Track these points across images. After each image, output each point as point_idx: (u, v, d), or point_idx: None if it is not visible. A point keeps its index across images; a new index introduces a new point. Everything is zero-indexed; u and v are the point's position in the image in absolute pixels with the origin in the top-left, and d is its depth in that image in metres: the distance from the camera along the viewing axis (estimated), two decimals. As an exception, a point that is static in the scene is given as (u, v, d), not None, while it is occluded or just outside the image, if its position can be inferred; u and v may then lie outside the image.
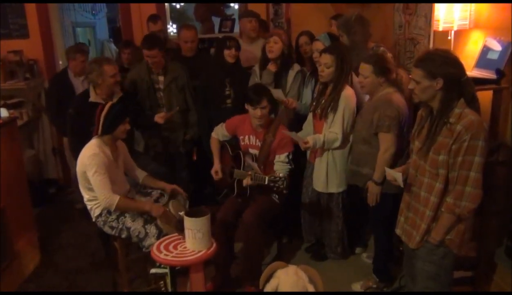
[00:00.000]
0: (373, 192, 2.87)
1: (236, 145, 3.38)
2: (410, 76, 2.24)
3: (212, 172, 3.28)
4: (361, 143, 2.95)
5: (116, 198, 2.78)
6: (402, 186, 2.36)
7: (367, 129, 2.86)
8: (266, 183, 2.87)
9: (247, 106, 3.14)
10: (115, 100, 3.35)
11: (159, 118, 3.60)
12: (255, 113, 3.10)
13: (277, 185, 2.84)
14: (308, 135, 3.18)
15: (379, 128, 2.77)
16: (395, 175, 2.36)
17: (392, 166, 2.68)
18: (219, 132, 3.38)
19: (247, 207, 3.12)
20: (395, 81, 2.86)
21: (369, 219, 3.15)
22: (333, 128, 3.10)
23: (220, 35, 4.79)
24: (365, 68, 2.83)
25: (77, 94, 3.54)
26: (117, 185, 2.88)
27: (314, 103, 3.26)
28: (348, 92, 3.09)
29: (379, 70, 2.79)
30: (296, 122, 3.50)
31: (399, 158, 2.80)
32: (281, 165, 3.15)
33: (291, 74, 3.57)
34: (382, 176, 2.79)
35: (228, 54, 3.63)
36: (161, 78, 3.77)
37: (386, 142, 2.77)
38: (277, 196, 3.16)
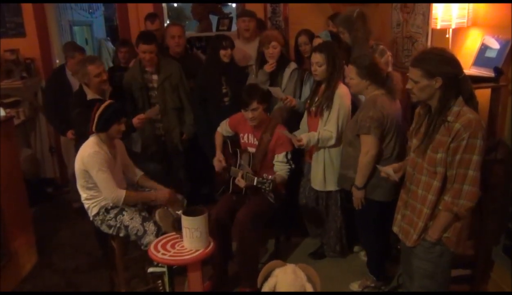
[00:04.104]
0: (356, 196, 2.87)
1: (236, 142, 3.38)
2: (407, 75, 2.23)
3: (215, 161, 3.29)
4: (347, 146, 2.95)
5: (123, 193, 2.80)
6: (397, 180, 2.37)
7: (351, 131, 2.86)
8: (255, 184, 2.93)
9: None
10: (107, 97, 3.35)
11: (136, 120, 3.42)
12: (247, 115, 3.12)
13: (263, 187, 2.88)
14: (304, 134, 3.18)
15: (360, 129, 2.76)
16: (387, 171, 2.37)
17: (373, 169, 2.67)
18: (224, 128, 3.41)
19: (242, 205, 3.12)
20: (384, 83, 2.82)
21: (357, 222, 3.13)
22: (328, 126, 3.10)
23: (217, 34, 4.78)
24: (350, 70, 2.83)
25: (74, 95, 3.50)
26: (116, 183, 2.87)
27: (308, 101, 3.26)
28: (342, 91, 3.10)
29: (363, 73, 2.77)
30: (295, 121, 3.50)
31: (379, 160, 2.77)
32: (280, 165, 3.15)
33: (287, 72, 3.58)
34: (364, 180, 2.79)
35: (224, 54, 3.65)
36: (154, 77, 3.76)
37: (367, 145, 2.75)
38: (272, 196, 3.16)
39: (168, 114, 3.80)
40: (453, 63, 2.10)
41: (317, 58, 3.07)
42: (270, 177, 2.91)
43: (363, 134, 2.75)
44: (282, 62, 3.59)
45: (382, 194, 2.80)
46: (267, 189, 2.88)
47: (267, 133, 3.19)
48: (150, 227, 2.78)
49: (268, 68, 3.56)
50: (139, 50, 3.65)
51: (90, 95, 3.35)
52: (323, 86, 3.15)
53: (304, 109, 3.43)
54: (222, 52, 3.66)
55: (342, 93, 3.09)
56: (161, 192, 2.93)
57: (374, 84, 2.80)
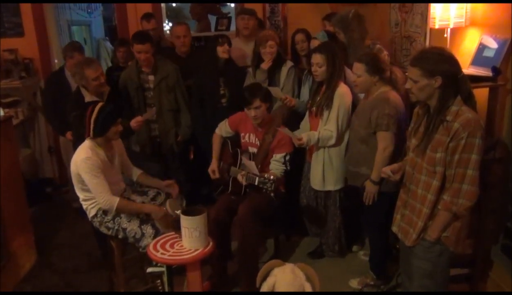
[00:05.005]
0: (370, 191, 2.87)
1: (237, 142, 3.38)
2: (407, 74, 2.23)
3: (209, 170, 3.29)
4: (359, 143, 2.95)
5: (116, 200, 2.76)
6: (397, 179, 2.39)
7: (365, 129, 2.86)
8: (256, 183, 2.93)
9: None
10: (105, 98, 3.36)
11: (134, 123, 3.45)
12: (249, 113, 3.12)
13: (265, 187, 2.88)
14: (305, 133, 3.18)
15: (378, 127, 2.77)
16: (387, 172, 2.38)
17: (391, 164, 2.68)
18: (223, 129, 3.39)
19: (242, 203, 3.11)
20: (390, 79, 2.86)
21: (364, 217, 3.15)
22: (328, 126, 3.11)
23: (217, 34, 4.79)
24: (358, 67, 2.83)
25: (71, 97, 3.49)
26: (112, 185, 2.86)
27: (310, 101, 3.27)
28: (342, 90, 3.10)
29: (372, 69, 2.79)
30: (295, 121, 3.51)
31: (397, 156, 2.79)
32: (276, 164, 3.16)
33: (284, 70, 3.60)
34: (380, 175, 2.79)
35: (222, 50, 3.65)
36: (151, 77, 3.75)
37: (385, 141, 2.77)
38: (273, 194, 3.15)
39: (163, 115, 3.79)
40: (452, 62, 2.10)
41: (318, 59, 3.08)
42: (271, 177, 2.91)
43: (381, 131, 2.77)
44: (279, 61, 3.60)
45: (393, 185, 2.78)
46: (269, 189, 2.88)
47: (269, 134, 3.19)
48: (148, 230, 2.78)
49: (265, 65, 3.57)
50: (134, 51, 3.65)
51: (88, 97, 3.34)
52: (324, 86, 3.16)
53: (303, 109, 3.44)
54: (219, 49, 3.65)
55: (342, 92, 3.10)
56: (156, 209, 2.86)
57: (382, 80, 2.82)
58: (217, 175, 3.26)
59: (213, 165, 3.30)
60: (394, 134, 2.76)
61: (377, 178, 2.82)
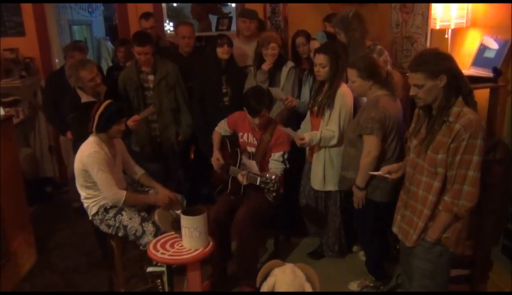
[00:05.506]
0: (357, 196, 2.87)
1: (235, 142, 3.38)
2: (408, 77, 2.22)
3: (213, 159, 3.27)
4: (348, 146, 2.95)
5: (123, 194, 2.81)
6: (394, 179, 2.40)
7: (353, 131, 2.86)
8: (257, 183, 2.93)
9: (246, 111, 3.14)
10: (102, 97, 3.36)
11: (131, 122, 3.38)
12: (253, 121, 3.11)
13: (267, 187, 2.88)
14: (307, 132, 3.18)
15: (363, 130, 2.76)
16: (383, 173, 2.41)
17: (375, 169, 2.68)
18: (222, 127, 3.40)
19: (241, 205, 3.12)
20: (386, 82, 2.83)
21: (355, 222, 3.14)
22: (330, 126, 3.11)
23: (217, 33, 4.79)
24: (351, 73, 2.83)
25: (68, 99, 3.47)
26: (116, 183, 2.87)
27: (311, 101, 3.27)
28: (344, 90, 3.10)
29: (365, 74, 2.77)
30: (296, 121, 3.50)
31: (381, 161, 2.78)
32: (275, 163, 3.16)
33: (284, 71, 3.60)
34: (365, 180, 2.79)
35: (222, 51, 3.65)
36: (150, 77, 3.75)
37: (369, 145, 2.76)
38: (272, 195, 3.15)
39: (163, 114, 3.79)
40: (451, 59, 2.12)
41: (321, 59, 3.07)
42: (272, 177, 2.90)
43: (365, 134, 2.76)
44: (280, 62, 3.60)
45: (381, 195, 2.81)
46: (271, 189, 2.87)
47: (267, 134, 3.19)
48: (149, 227, 2.78)
49: (265, 66, 3.57)
50: (134, 52, 3.66)
51: (84, 98, 3.34)
52: (325, 86, 3.16)
53: (304, 110, 3.43)
54: (219, 50, 3.66)
55: (344, 92, 3.10)
56: (160, 196, 2.93)
57: (377, 84, 2.80)
58: (221, 161, 3.24)
59: (216, 154, 3.28)
60: (379, 139, 2.73)
61: (362, 184, 2.82)
